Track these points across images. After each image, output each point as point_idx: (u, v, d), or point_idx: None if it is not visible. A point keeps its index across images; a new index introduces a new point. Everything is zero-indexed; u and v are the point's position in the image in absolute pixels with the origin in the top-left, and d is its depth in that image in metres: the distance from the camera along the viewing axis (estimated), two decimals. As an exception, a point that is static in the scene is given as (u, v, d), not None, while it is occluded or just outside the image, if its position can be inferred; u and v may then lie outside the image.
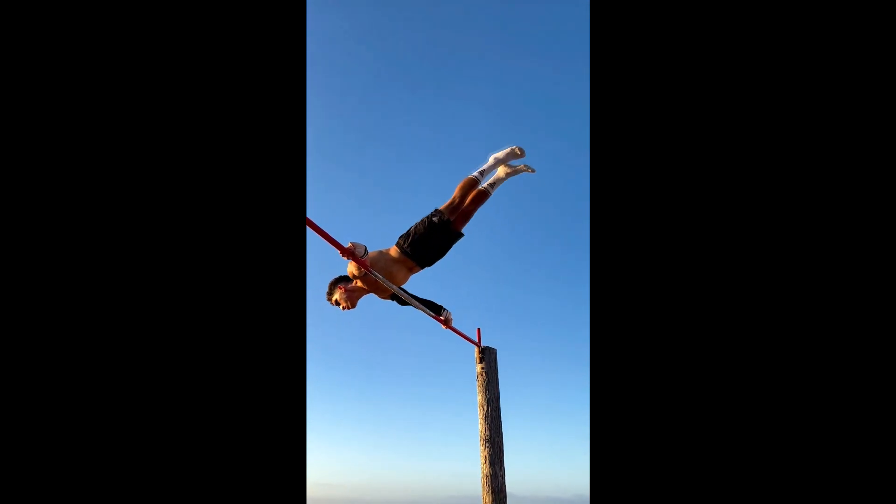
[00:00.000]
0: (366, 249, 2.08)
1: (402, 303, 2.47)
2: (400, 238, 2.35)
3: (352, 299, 2.30)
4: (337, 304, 2.33)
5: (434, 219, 2.30)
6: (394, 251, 2.34)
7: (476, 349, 2.90)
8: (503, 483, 2.44)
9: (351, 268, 2.23)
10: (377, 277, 2.15)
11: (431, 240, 2.30)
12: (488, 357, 2.83)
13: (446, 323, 2.56)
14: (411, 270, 2.37)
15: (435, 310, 2.53)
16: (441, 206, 2.32)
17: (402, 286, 2.37)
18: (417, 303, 2.44)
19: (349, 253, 1.95)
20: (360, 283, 2.29)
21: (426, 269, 2.43)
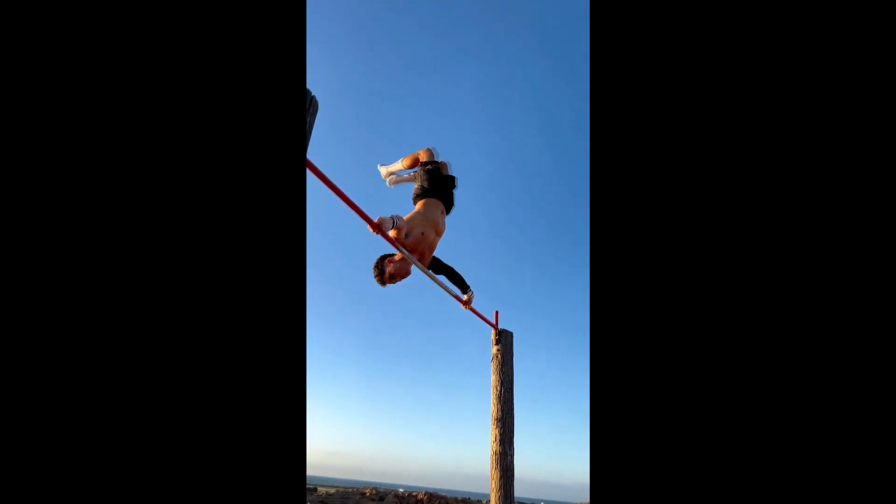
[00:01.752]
0: (393, 221, 2.12)
1: (437, 270, 2.53)
2: (416, 195, 2.54)
3: (405, 268, 2.30)
4: (392, 278, 2.28)
5: (428, 167, 2.61)
6: (420, 204, 2.47)
7: (493, 331, 2.94)
8: (511, 461, 2.50)
9: (393, 233, 2.29)
10: (404, 254, 2.20)
11: (438, 181, 2.58)
12: (504, 339, 2.88)
13: (467, 304, 2.60)
14: (443, 214, 2.55)
15: (462, 286, 2.59)
16: (421, 160, 2.67)
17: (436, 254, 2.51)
18: (451, 273, 2.56)
19: (377, 227, 1.99)
20: (405, 250, 2.33)
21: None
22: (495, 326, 2.95)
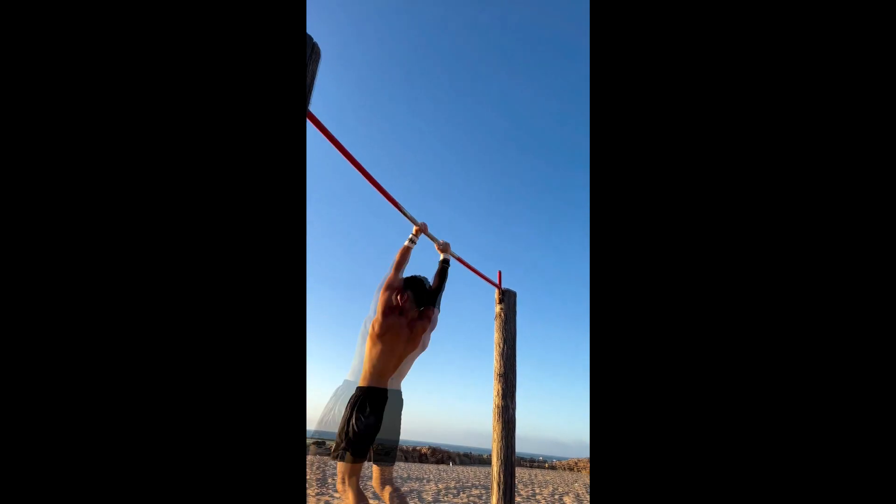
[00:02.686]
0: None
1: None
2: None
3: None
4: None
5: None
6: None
7: (496, 291, 2.98)
8: (513, 414, 2.59)
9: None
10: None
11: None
12: (507, 299, 2.92)
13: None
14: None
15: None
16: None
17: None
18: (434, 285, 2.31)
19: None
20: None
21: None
22: (499, 286, 2.99)
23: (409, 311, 2.03)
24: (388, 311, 1.96)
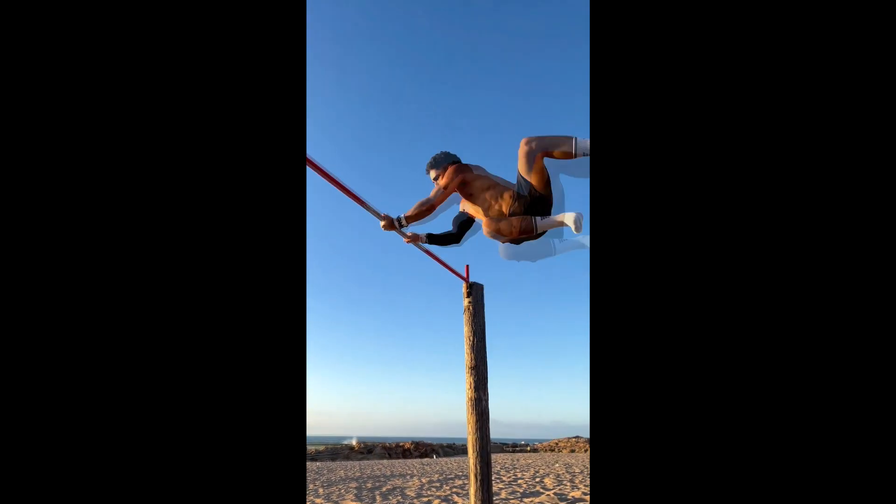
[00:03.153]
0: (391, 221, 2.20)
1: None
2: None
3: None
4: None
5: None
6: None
7: (464, 284, 3.00)
8: (486, 405, 2.63)
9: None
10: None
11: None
12: (475, 292, 2.94)
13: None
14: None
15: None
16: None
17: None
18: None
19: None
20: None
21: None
22: (466, 280, 3.01)
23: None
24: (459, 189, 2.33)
